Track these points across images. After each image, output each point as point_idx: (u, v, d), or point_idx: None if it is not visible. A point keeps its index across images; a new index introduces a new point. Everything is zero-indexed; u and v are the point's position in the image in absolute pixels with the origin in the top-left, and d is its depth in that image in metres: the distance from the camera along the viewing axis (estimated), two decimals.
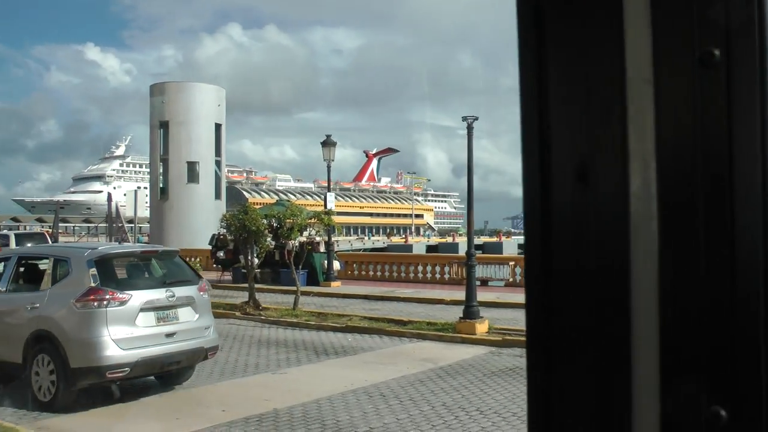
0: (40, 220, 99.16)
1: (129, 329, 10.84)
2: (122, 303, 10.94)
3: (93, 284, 10.91)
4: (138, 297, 11.17)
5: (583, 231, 1.11)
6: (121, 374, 10.73)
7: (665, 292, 1.06)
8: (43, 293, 11.37)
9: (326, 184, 32.83)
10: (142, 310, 11.10)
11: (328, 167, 30.82)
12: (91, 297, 10.80)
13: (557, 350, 1.14)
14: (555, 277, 1.14)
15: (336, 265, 30.46)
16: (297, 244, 25.80)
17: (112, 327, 10.68)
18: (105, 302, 10.79)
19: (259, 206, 27.71)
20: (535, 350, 1.18)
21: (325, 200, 30.55)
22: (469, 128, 17.68)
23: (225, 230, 25.78)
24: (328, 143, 30.55)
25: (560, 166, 1.12)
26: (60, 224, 61.71)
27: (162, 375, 12.27)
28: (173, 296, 11.58)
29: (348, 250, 53.55)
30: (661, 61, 1.06)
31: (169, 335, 11.36)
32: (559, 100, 1.13)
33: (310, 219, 23.53)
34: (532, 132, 1.15)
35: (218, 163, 54.79)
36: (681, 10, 1.04)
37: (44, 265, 12.21)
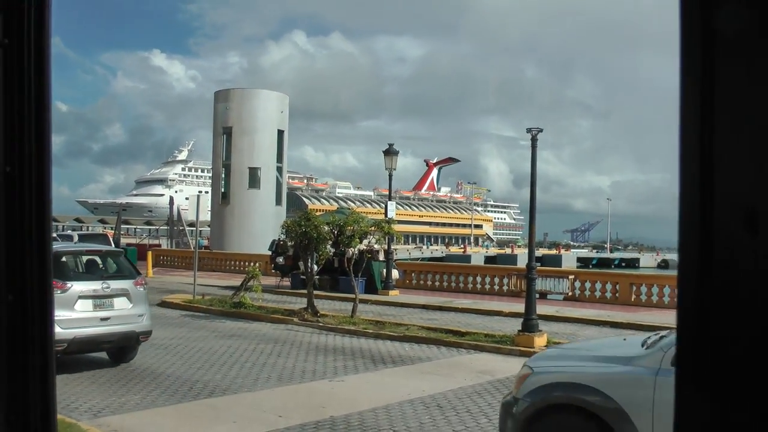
0: (102, 221, 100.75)
1: (68, 312, 13.02)
2: (63, 291, 13.15)
3: None
4: (77, 287, 13.59)
5: (749, 290, 0.98)
6: (59, 348, 12.39)
7: None
8: None
9: (386, 192, 32.86)
10: (80, 297, 13.50)
11: (390, 176, 30.83)
12: None
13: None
14: (713, 334, 1.04)
15: (395, 273, 30.44)
16: (356, 252, 25.84)
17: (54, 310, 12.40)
18: None
19: (319, 213, 27.85)
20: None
21: (385, 209, 30.49)
22: (534, 140, 17.48)
23: (285, 236, 25.97)
24: (390, 152, 30.55)
25: (725, 212, 1.00)
26: (122, 226, 62.72)
27: (110, 353, 14.56)
28: (108, 287, 13.94)
29: (406, 259, 53.47)
30: None
31: (104, 319, 13.73)
32: (727, 138, 1.01)
33: (371, 227, 23.55)
34: (691, 174, 1.03)
35: (279, 170, 55.27)
36: None
37: None
